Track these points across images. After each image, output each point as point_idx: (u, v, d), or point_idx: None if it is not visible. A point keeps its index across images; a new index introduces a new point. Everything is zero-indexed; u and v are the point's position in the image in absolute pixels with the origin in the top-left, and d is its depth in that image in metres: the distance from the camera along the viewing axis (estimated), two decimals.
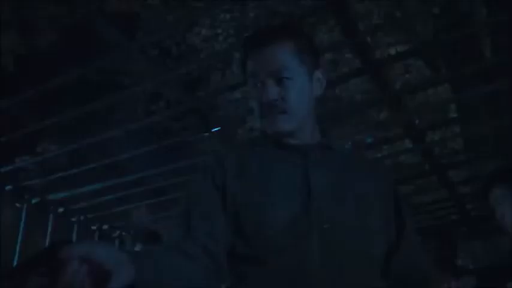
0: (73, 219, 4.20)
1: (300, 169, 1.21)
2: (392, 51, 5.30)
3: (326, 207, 1.16)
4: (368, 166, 1.35)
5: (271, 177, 1.21)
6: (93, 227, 4.40)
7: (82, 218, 4.22)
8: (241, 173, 1.21)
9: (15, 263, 3.64)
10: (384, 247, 1.21)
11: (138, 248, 3.09)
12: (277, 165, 1.23)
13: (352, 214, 1.18)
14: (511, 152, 3.39)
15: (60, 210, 4.02)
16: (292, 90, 1.21)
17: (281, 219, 1.14)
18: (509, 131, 3.42)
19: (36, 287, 0.85)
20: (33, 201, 3.78)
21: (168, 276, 1.04)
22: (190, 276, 1.10)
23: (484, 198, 2.09)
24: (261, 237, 1.14)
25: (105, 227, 4.45)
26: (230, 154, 1.27)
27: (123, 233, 4.59)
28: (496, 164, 3.91)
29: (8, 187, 3.67)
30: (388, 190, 1.29)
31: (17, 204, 3.79)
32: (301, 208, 1.16)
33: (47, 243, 3.88)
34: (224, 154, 1.26)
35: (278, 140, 1.25)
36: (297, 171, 1.21)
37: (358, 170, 1.29)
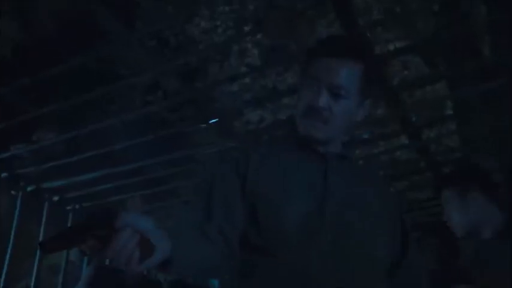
0: (68, 208, 4.20)
1: (319, 173, 1.28)
2: (391, 47, 5.30)
3: (339, 211, 1.23)
4: (381, 182, 1.48)
5: (291, 176, 1.27)
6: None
7: (77, 206, 4.22)
8: (263, 167, 1.28)
9: (8, 252, 3.64)
10: (388, 257, 1.29)
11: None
12: (298, 165, 1.30)
13: (361, 220, 1.25)
14: (507, 150, 3.40)
15: (55, 198, 4.02)
16: (341, 108, 1.27)
17: (295, 216, 1.20)
18: (505, 129, 3.43)
19: (90, 249, 0.88)
20: (29, 189, 3.78)
21: (194, 257, 1.10)
22: (209, 259, 1.16)
23: (436, 199, 2.16)
24: (274, 230, 1.20)
25: None
26: (255, 149, 1.34)
27: None
28: (491, 162, 3.93)
29: (3, 174, 3.67)
30: (396, 209, 1.39)
31: (12, 192, 3.79)
32: (316, 209, 1.22)
33: (41, 232, 3.88)
34: (249, 148, 1.34)
35: (305, 143, 1.32)
36: (316, 174, 1.28)
37: (371, 183, 1.39)
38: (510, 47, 3.64)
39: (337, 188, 1.26)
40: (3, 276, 3.58)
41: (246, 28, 6.49)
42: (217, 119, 3.61)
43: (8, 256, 3.63)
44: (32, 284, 3.73)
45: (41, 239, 3.78)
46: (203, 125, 3.72)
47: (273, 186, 1.24)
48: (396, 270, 1.32)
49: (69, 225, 4.15)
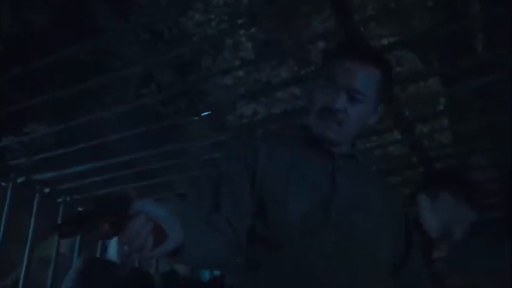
0: (59, 200, 4.17)
1: (326, 172, 1.30)
2: (385, 42, 5.31)
3: (345, 212, 1.25)
4: (385, 184, 1.50)
5: (300, 171, 1.29)
6: (80, 209, 4.37)
7: (68, 199, 4.18)
8: (271, 161, 1.30)
9: None
10: (391, 258, 1.31)
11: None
12: (306, 162, 1.31)
13: (365, 221, 1.27)
14: (499, 146, 3.42)
15: (46, 190, 3.98)
16: (357, 112, 1.29)
17: (301, 213, 1.22)
18: (497, 125, 3.45)
19: (104, 234, 0.89)
20: (19, 180, 3.75)
21: (204, 247, 1.12)
22: (218, 249, 1.17)
23: (411, 203, 2.21)
24: (280, 225, 1.22)
25: None
26: (263, 142, 1.34)
27: None
28: (483, 158, 3.96)
29: None
30: (400, 210, 1.41)
31: (3, 183, 3.75)
32: (322, 208, 1.24)
33: (32, 224, 3.85)
34: (258, 141, 1.34)
35: (316, 141, 1.33)
36: (324, 172, 1.30)
37: (376, 183, 1.41)
38: (504, 43, 3.66)
39: (343, 188, 1.28)
40: None
41: (240, 22, 6.48)
42: (210, 112, 3.60)
43: None
44: (22, 276, 3.70)
45: (31, 231, 3.76)
46: (196, 118, 3.71)
47: (281, 182, 1.26)
48: (399, 271, 1.34)
49: (60, 218, 4.12)
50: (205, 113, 3.52)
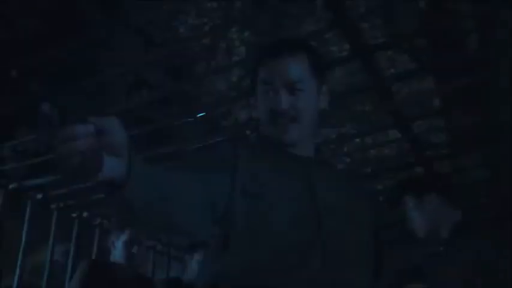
0: (52, 206, 4.13)
1: (303, 179, 1.27)
2: (378, 41, 5.30)
3: (328, 217, 1.22)
4: (358, 189, 1.44)
5: (278, 179, 1.24)
6: (73, 215, 4.33)
7: (61, 204, 4.14)
8: (251, 165, 1.24)
9: None
10: (372, 262, 1.30)
11: (124, 237, 3.01)
12: (282, 170, 1.26)
13: (347, 226, 1.25)
14: (495, 146, 3.41)
15: (39, 196, 3.94)
16: (304, 101, 1.28)
17: (286, 220, 1.16)
18: (493, 124, 3.44)
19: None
20: (11, 186, 3.71)
21: (159, 180, 0.99)
22: (187, 191, 1.07)
23: (394, 206, 2.23)
24: (264, 231, 1.15)
25: (85, 214, 4.38)
26: (242, 146, 1.32)
27: (104, 221, 4.52)
28: (476, 157, 3.95)
29: None
30: (371, 215, 1.38)
31: None
32: (305, 215, 1.20)
33: (24, 231, 3.81)
34: (238, 143, 1.32)
35: (281, 148, 1.29)
36: (301, 180, 1.26)
37: (350, 190, 1.38)
38: (495, 41, 3.66)
39: (324, 194, 1.25)
40: None
41: (234, 25, 6.49)
42: (203, 115, 3.58)
43: None
44: (15, 284, 3.65)
45: (24, 238, 3.72)
46: (189, 121, 3.68)
47: (262, 187, 1.21)
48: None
49: (53, 223, 4.08)
50: (200, 114, 3.50)
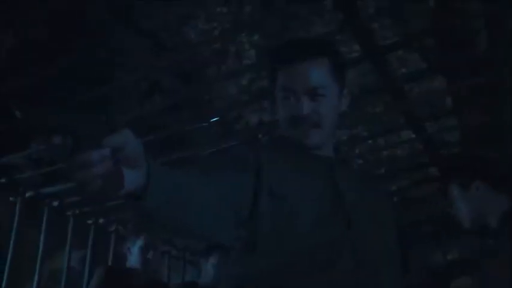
0: (68, 213, 4.17)
1: (327, 179, 1.26)
2: (388, 42, 5.27)
3: (355, 216, 1.21)
4: (375, 189, 1.43)
5: (303, 180, 1.23)
6: (89, 221, 4.37)
7: (77, 211, 4.18)
8: (274, 166, 1.22)
9: (8, 259, 3.60)
10: (397, 260, 1.29)
11: (140, 242, 3.02)
12: (306, 171, 1.25)
13: (370, 225, 1.23)
14: (508, 144, 3.38)
15: (55, 203, 3.98)
16: (326, 107, 1.26)
17: (313, 220, 1.15)
18: (504, 122, 3.41)
19: None
20: (27, 194, 3.75)
21: (177, 182, 0.98)
22: (204, 195, 1.04)
23: (443, 195, 2.17)
24: (291, 232, 1.14)
25: (101, 220, 4.42)
26: (260, 148, 1.30)
27: (120, 227, 4.56)
28: (492, 154, 3.91)
29: (1, 180, 3.64)
30: (390, 213, 1.38)
31: (11, 198, 3.75)
32: (333, 214, 1.19)
33: (41, 238, 3.85)
34: (255, 146, 1.31)
35: (302, 149, 1.28)
36: (325, 180, 1.25)
37: (370, 189, 1.36)
38: (506, 40, 3.63)
39: (348, 194, 1.24)
40: (3, 285, 3.54)
41: (243, 29, 6.48)
42: (215, 120, 3.59)
43: (7, 264, 3.58)
44: None
45: (41, 246, 3.75)
46: (201, 127, 3.70)
47: (287, 188, 1.19)
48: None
49: (69, 230, 4.11)
50: (213, 119, 3.51)
